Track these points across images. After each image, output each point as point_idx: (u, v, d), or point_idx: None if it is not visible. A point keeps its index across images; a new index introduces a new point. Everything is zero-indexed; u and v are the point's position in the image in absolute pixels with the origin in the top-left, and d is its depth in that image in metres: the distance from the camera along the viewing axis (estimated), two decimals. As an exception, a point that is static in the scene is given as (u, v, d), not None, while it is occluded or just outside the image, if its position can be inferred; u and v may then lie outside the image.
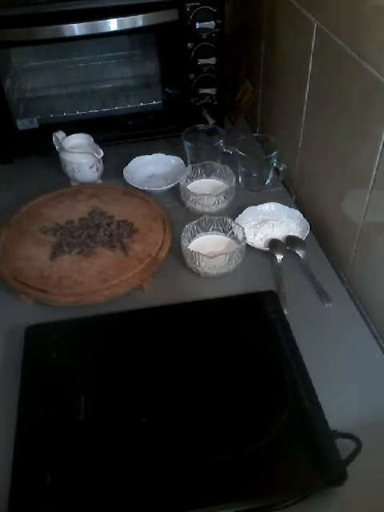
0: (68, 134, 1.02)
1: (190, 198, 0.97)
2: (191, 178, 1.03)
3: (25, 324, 0.76)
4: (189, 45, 0.99)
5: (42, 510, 0.57)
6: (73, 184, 1.06)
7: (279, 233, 0.93)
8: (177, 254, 0.88)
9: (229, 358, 0.71)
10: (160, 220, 0.92)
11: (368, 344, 0.76)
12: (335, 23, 0.76)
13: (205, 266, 0.83)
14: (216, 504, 0.57)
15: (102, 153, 1.00)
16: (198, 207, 0.98)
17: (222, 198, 0.96)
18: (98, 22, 0.91)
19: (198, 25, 0.97)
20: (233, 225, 0.88)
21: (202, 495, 0.57)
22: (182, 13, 0.95)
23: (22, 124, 1.08)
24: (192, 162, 1.05)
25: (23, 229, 0.91)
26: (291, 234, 0.92)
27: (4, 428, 0.65)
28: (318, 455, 0.59)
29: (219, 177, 1.03)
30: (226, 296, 0.81)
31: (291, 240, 0.90)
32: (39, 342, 0.74)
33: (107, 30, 0.93)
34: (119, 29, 0.93)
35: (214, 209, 0.97)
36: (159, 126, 1.14)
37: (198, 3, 0.94)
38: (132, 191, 1.00)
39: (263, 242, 0.91)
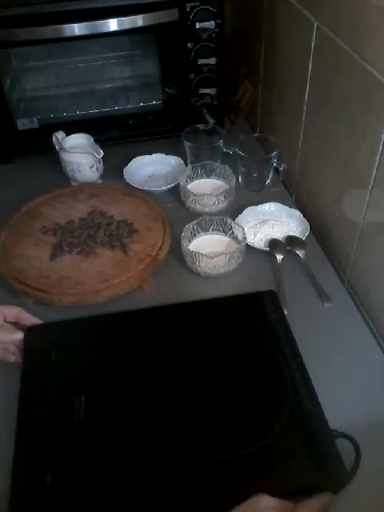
0: (68, 134, 1.02)
1: (190, 198, 0.97)
2: (191, 178, 1.03)
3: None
4: (189, 45, 0.99)
5: (42, 510, 0.57)
6: (73, 184, 1.06)
7: (279, 233, 0.93)
8: (177, 254, 0.88)
9: (229, 358, 0.71)
10: (160, 220, 0.92)
11: (368, 344, 0.76)
12: (335, 23, 0.76)
13: (205, 266, 0.83)
14: (216, 503, 0.57)
15: (101, 153, 1.00)
16: (198, 207, 0.97)
17: (222, 198, 0.96)
18: (98, 21, 0.91)
19: (197, 25, 0.97)
20: (233, 225, 0.88)
21: (202, 495, 0.57)
22: (182, 13, 0.95)
23: (22, 124, 1.08)
24: (192, 162, 1.05)
25: (23, 229, 0.91)
26: (291, 234, 0.92)
27: (4, 428, 0.65)
28: (318, 455, 0.59)
29: (219, 177, 1.03)
30: (226, 296, 0.81)
31: (291, 240, 0.90)
32: (39, 342, 0.74)
33: (107, 30, 0.93)
34: (119, 29, 0.93)
35: (214, 209, 0.97)
36: (159, 125, 1.14)
37: (197, 3, 0.94)
38: (132, 191, 1.00)
39: (263, 242, 0.91)
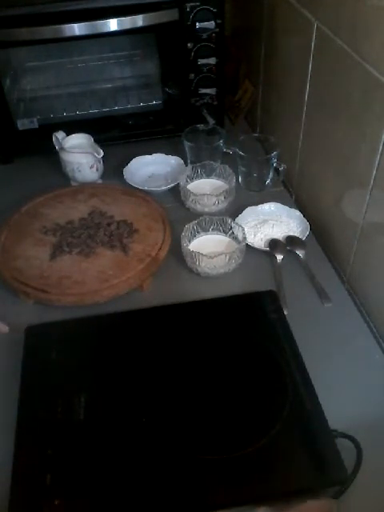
0: (68, 134, 1.02)
1: (190, 198, 0.97)
2: (191, 178, 1.03)
3: (25, 324, 0.76)
4: (189, 45, 0.99)
5: (42, 510, 0.57)
6: (73, 184, 1.06)
7: (279, 233, 0.93)
8: (177, 254, 0.88)
9: (229, 358, 0.71)
10: (160, 220, 0.92)
11: (368, 344, 0.76)
12: (335, 23, 0.76)
13: (205, 266, 0.83)
14: (215, 503, 0.57)
15: (101, 153, 1.00)
16: (198, 207, 0.97)
17: (222, 198, 0.96)
18: (98, 22, 0.91)
19: (198, 25, 0.97)
20: (233, 225, 0.88)
21: (202, 495, 0.57)
22: (182, 13, 0.95)
23: (22, 124, 1.08)
24: (192, 162, 1.05)
25: (23, 229, 0.91)
26: (291, 234, 0.92)
27: (4, 428, 0.65)
28: (318, 455, 0.59)
29: (219, 177, 1.03)
30: (226, 296, 0.81)
31: (291, 240, 0.90)
32: (39, 342, 0.74)
33: (107, 30, 0.93)
34: (119, 29, 0.93)
35: (214, 209, 0.97)
36: (159, 125, 1.14)
37: (198, 3, 0.94)
38: (132, 191, 1.00)
39: (263, 242, 0.91)
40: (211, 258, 0.81)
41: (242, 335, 0.74)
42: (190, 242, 0.88)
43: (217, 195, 0.96)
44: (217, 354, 0.71)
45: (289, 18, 0.93)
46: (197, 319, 0.77)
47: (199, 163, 1.03)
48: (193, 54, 1.01)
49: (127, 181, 1.03)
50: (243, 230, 0.86)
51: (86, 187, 1.01)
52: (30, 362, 0.71)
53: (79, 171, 1.02)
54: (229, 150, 1.05)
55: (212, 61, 1.03)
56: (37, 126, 1.09)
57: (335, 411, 0.63)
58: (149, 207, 0.95)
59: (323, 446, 0.60)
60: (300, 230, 0.93)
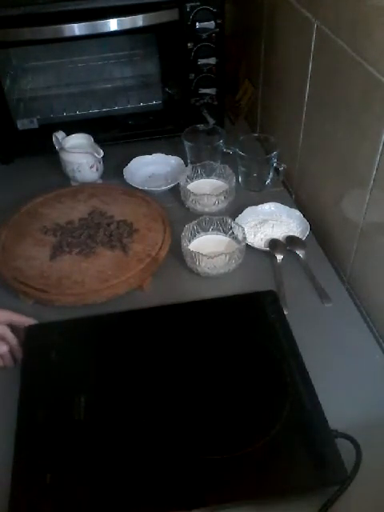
0: (68, 134, 1.02)
1: (190, 198, 0.97)
2: (191, 178, 1.03)
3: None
4: (189, 45, 0.99)
5: (42, 510, 0.57)
6: (73, 184, 1.06)
7: (279, 233, 0.93)
8: (177, 254, 0.88)
9: (229, 358, 0.71)
10: (160, 220, 0.92)
11: (368, 344, 0.76)
12: (335, 23, 0.76)
13: (205, 266, 0.83)
14: (216, 503, 0.57)
15: (102, 153, 1.00)
16: (198, 207, 0.97)
17: (222, 198, 0.96)
18: (98, 22, 0.91)
19: (198, 25, 0.96)
20: (233, 225, 0.88)
21: (202, 495, 0.57)
22: (182, 13, 0.95)
23: (22, 124, 1.08)
24: (192, 162, 1.05)
25: (23, 229, 0.91)
26: (291, 234, 0.92)
27: (4, 428, 0.65)
28: (318, 455, 0.59)
29: (219, 177, 1.03)
30: (226, 296, 0.81)
31: (291, 240, 0.90)
32: (39, 342, 0.74)
33: (107, 30, 0.93)
34: (119, 29, 0.93)
35: (214, 209, 0.97)
36: (159, 125, 1.14)
37: (198, 3, 0.94)
38: (132, 191, 1.00)
39: (263, 242, 0.91)
40: (211, 257, 0.81)
41: (242, 335, 0.74)
42: (190, 242, 0.88)
43: (217, 195, 0.96)
44: (217, 354, 0.71)
45: (289, 17, 0.93)
46: (197, 319, 0.77)
47: (199, 163, 1.03)
48: (193, 54, 1.01)
49: (127, 181, 1.03)
50: (243, 230, 0.86)
51: (86, 187, 1.01)
52: (30, 362, 0.71)
53: (79, 171, 1.02)
54: (229, 150, 1.05)
55: (212, 61, 1.03)
56: (37, 126, 1.09)
57: (335, 411, 0.63)
58: (149, 207, 0.95)
59: (323, 446, 0.60)
60: (300, 230, 0.93)
